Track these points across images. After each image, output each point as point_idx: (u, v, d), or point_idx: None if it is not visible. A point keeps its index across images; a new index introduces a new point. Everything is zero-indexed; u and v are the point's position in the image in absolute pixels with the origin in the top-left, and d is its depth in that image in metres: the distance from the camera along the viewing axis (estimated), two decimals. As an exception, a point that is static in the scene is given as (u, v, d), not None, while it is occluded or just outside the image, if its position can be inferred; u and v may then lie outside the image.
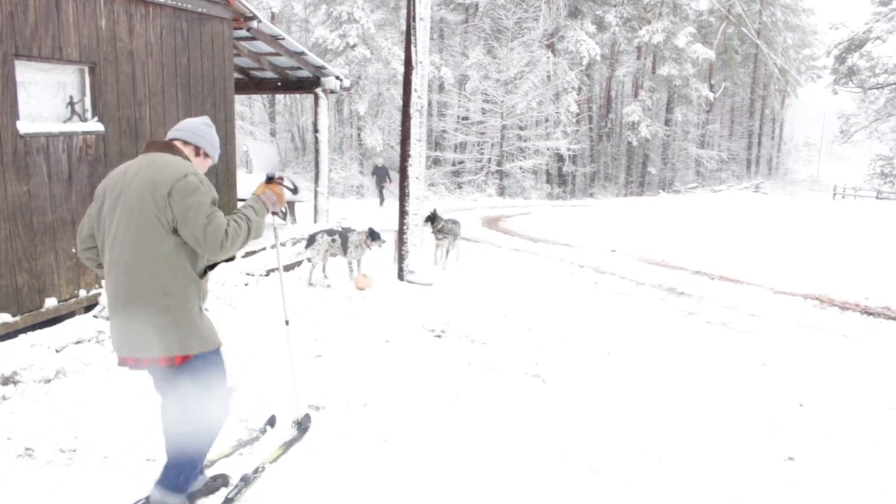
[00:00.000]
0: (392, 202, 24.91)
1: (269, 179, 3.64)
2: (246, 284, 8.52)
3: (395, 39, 34.54)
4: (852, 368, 6.49)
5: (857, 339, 7.63)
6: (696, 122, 47.54)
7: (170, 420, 3.46)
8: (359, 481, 3.91)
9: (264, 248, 10.49)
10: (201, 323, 3.35)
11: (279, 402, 5.01)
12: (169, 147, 3.37)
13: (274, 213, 3.64)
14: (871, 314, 8.91)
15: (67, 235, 6.70)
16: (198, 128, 3.54)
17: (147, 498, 3.61)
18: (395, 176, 30.03)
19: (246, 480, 3.84)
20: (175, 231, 3.17)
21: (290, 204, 14.00)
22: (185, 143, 3.48)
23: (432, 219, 10.51)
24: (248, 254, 9.99)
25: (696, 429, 4.86)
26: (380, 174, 25.81)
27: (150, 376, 3.52)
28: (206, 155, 3.58)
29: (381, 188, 25.83)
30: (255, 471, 3.94)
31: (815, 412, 5.27)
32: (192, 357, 3.30)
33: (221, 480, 3.83)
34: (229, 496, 3.67)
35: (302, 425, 4.62)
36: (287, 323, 4.52)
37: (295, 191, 3.83)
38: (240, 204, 6.27)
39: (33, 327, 6.30)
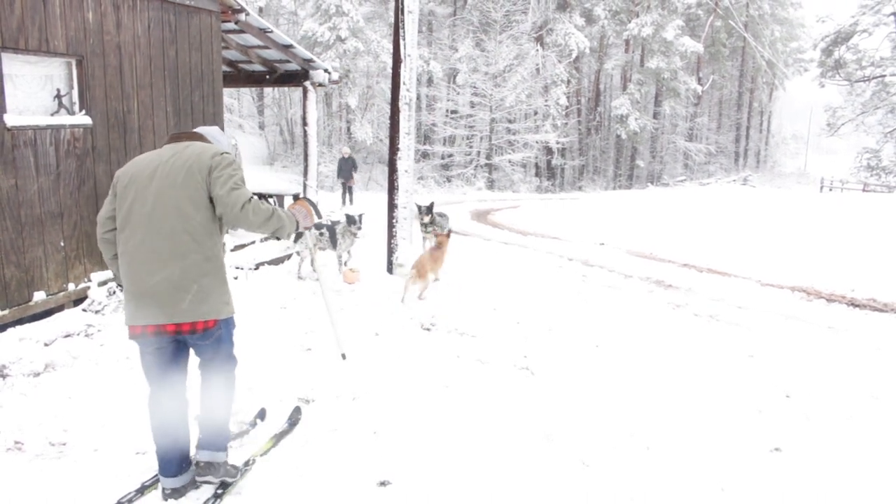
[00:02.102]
0: (359, 197, 23.28)
1: (296, 198, 4.09)
2: (235, 278, 8.51)
3: (384, 32, 34.43)
4: (838, 360, 6.55)
5: (843, 331, 7.69)
6: (685, 115, 47.72)
7: (202, 385, 3.71)
8: (349, 473, 3.93)
9: (253, 242, 10.47)
10: (228, 289, 3.63)
11: (270, 395, 5.03)
12: (199, 136, 3.72)
13: (306, 228, 4.02)
14: (856, 306, 8.99)
15: (56, 229, 6.68)
16: (216, 135, 3.88)
17: (140, 489, 3.66)
18: (383, 169, 30.05)
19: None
20: (212, 201, 3.44)
21: (280, 198, 13.98)
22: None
23: (429, 210, 10.51)
24: (236, 247, 9.98)
25: (684, 420, 4.90)
26: (345, 167, 21.44)
27: (151, 356, 3.57)
28: None
29: (345, 185, 21.58)
30: (246, 463, 3.97)
31: (802, 403, 5.33)
32: (221, 321, 3.57)
33: (212, 473, 3.85)
34: (218, 491, 3.68)
35: (291, 418, 4.65)
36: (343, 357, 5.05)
37: (317, 214, 4.19)
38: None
39: (22, 321, 6.28)
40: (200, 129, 3.84)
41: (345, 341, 5.80)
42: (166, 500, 3.60)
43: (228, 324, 3.67)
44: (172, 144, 3.61)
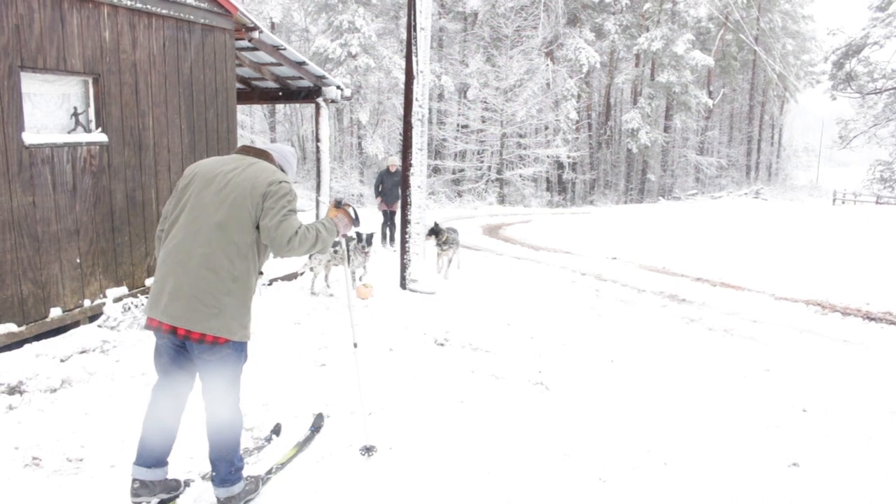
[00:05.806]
0: (369, 213, 19.55)
1: (338, 204, 3.98)
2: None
3: (396, 48, 34.63)
4: (855, 373, 6.50)
5: (859, 345, 7.64)
6: (696, 129, 47.65)
7: (207, 416, 3.62)
8: (365, 490, 3.93)
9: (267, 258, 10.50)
10: (248, 314, 3.59)
11: (285, 411, 5.04)
12: (266, 155, 3.71)
13: (343, 236, 3.96)
14: (872, 319, 8.92)
15: (72, 245, 6.73)
16: (287, 155, 3.87)
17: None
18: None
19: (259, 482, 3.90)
20: (257, 227, 3.46)
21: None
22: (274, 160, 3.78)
23: (436, 232, 10.52)
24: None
25: (701, 435, 4.88)
26: (390, 184, 14.75)
27: (164, 349, 3.59)
28: None
29: (387, 213, 15.10)
30: (269, 472, 4.05)
31: (819, 418, 5.29)
32: (232, 342, 3.49)
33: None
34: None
35: (315, 425, 4.75)
36: (355, 346, 4.74)
37: (357, 222, 4.07)
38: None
39: (38, 337, 6.33)
40: (273, 148, 3.83)
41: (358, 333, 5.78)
42: (136, 495, 3.58)
43: (239, 349, 3.56)
44: (239, 156, 3.65)
